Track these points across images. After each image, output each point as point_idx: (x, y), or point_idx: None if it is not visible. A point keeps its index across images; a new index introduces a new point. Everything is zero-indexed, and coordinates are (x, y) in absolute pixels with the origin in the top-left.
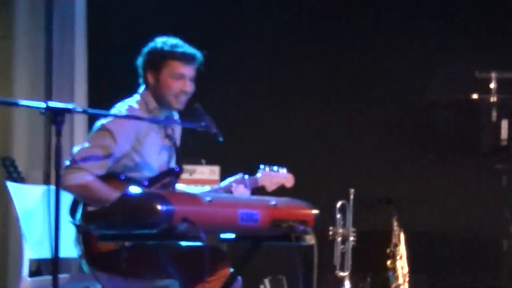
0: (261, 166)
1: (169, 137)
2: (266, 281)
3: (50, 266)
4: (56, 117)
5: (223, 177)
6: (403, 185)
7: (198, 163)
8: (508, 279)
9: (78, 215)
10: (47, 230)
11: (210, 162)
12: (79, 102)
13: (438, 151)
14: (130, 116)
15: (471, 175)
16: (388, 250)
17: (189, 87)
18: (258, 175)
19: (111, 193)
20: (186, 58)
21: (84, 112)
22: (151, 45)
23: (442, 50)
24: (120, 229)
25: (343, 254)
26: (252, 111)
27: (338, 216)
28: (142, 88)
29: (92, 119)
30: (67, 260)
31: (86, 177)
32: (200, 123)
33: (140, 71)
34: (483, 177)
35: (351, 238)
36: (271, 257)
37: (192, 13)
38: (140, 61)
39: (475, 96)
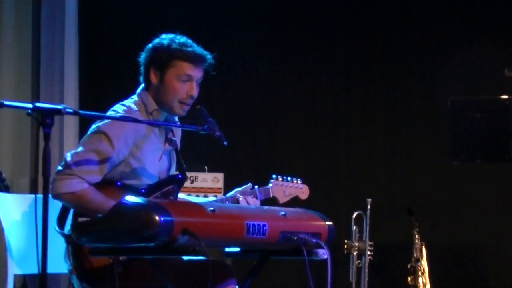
0: (273, 176)
1: (169, 141)
2: None
3: (37, 282)
4: (44, 119)
5: (227, 185)
6: (425, 194)
7: (200, 169)
8: None
9: (68, 225)
10: (34, 243)
11: (213, 168)
12: (69, 102)
13: (463, 156)
14: (126, 118)
15: (500, 182)
16: (408, 265)
17: (196, 91)
18: (270, 185)
19: (106, 203)
20: (195, 59)
21: (75, 113)
22: (156, 41)
23: (468, 47)
24: (114, 242)
25: (359, 270)
26: (261, 114)
27: (354, 228)
28: (140, 88)
29: (83, 121)
30: (55, 276)
31: (79, 184)
32: (203, 126)
33: (142, 68)
34: None
35: (368, 252)
36: (281, 273)
37: (189, 10)
38: (143, 57)
39: (504, 96)
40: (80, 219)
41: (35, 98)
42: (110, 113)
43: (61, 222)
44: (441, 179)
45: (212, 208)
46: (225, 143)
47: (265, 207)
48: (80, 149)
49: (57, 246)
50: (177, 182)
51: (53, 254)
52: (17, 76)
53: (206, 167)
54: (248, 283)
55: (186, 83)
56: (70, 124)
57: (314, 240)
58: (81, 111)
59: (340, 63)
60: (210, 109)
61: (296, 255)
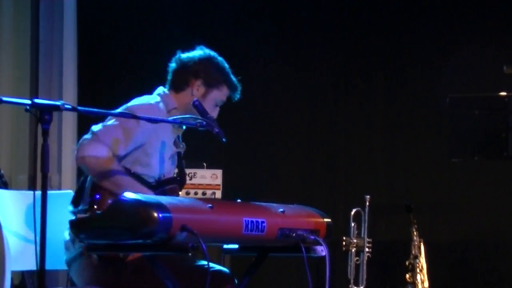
0: None
1: (177, 144)
2: None
3: (36, 279)
4: (42, 115)
5: (225, 182)
6: (424, 191)
7: (199, 166)
8: None
9: (82, 204)
10: (32, 240)
11: (211, 165)
12: (68, 98)
13: (462, 153)
14: (124, 115)
15: (499, 179)
16: (407, 263)
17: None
18: None
19: (126, 180)
20: (234, 90)
21: (73, 109)
22: (206, 54)
23: (467, 44)
24: (113, 238)
25: (357, 267)
26: (260, 110)
27: (353, 224)
28: (162, 90)
29: (82, 117)
30: (54, 272)
31: (105, 152)
32: (201, 122)
33: (180, 72)
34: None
35: (367, 249)
36: (279, 270)
37: (189, 7)
38: (187, 63)
39: (503, 93)
40: (79, 216)
41: (34, 93)
42: (140, 101)
43: (76, 203)
44: (440, 176)
45: (210, 205)
46: (224, 139)
47: (263, 204)
48: (109, 122)
49: (56, 243)
50: (177, 182)
51: (52, 251)
52: (16, 71)
53: (204, 164)
54: (246, 280)
55: (218, 107)
56: (69, 120)
57: (312, 237)
58: (79, 108)
59: (339, 60)
60: None
61: (294, 252)
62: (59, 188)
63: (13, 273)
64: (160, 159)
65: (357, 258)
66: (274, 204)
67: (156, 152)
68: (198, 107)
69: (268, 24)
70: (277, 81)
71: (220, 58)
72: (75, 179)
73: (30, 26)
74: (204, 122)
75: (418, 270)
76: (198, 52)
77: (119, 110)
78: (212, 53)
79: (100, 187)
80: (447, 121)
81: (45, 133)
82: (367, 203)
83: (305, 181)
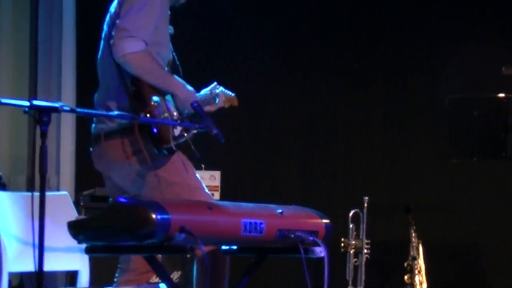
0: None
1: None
2: None
3: (34, 280)
4: (41, 117)
5: (224, 183)
6: (422, 191)
7: (197, 167)
8: None
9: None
10: (30, 241)
11: (210, 166)
12: (66, 99)
13: (461, 154)
14: (122, 116)
15: (497, 179)
16: (405, 264)
17: None
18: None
19: (163, 71)
20: None
21: (72, 111)
22: None
23: (466, 45)
24: (111, 239)
25: (356, 268)
26: (259, 111)
27: (351, 226)
28: None
29: (80, 118)
30: (52, 273)
31: (140, 44)
32: (199, 124)
33: None
34: (510, 182)
35: (365, 250)
36: (278, 270)
37: (190, 7)
38: None
39: (501, 94)
40: (77, 217)
41: (33, 94)
42: None
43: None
44: (439, 177)
45: (209, 207)
46: (223, 140)
47: (262, 205)
48: (132, 13)
49: (54, 244)
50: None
51: (50, 252)
52: (15, 72)
53: (203, 165)
54: (245, 281)
55: None
56: (67, 122)
57: (311, 238)
58: (78, 109)
59: (339, 61)
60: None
61: (293, 253)
62: (58, 190)
63: (12, 274)
64: (168, 42)
65: (356, 259)
66: (273, 205)
67: (166, 31)
68: (198, 109)
69: (269, 25)
70: (276, 82)
71: None
72: (73, 180)
73: (29, 26)
74: (203, 124)
75: (416, 271)
76: None
77: None
78: None
79: (138, 85)
80: (446, 122)
81: (44, 135)
82: (366, 204)
83: (304, 182)
